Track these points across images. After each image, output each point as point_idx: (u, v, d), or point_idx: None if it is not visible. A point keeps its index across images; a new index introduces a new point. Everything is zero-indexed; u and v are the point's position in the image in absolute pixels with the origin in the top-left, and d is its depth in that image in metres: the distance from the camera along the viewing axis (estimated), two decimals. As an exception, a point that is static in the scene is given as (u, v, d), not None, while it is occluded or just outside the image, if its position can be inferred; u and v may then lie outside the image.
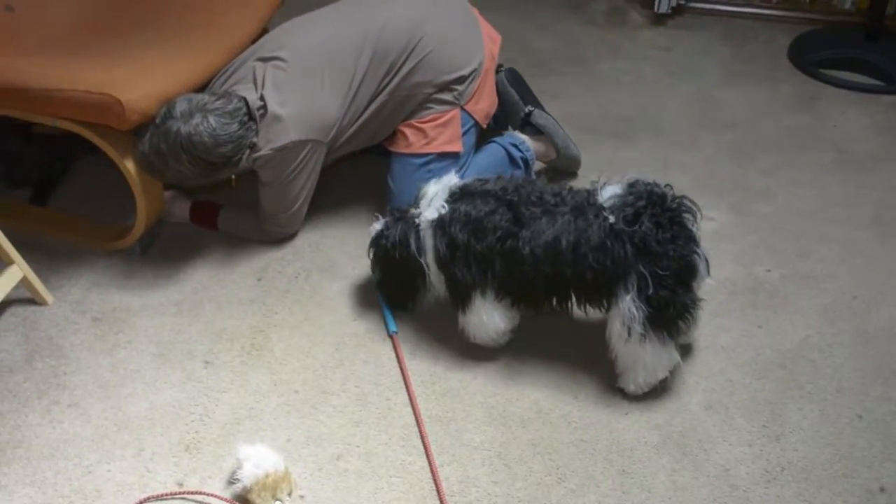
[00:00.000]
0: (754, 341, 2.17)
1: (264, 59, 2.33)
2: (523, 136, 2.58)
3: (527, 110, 2.62)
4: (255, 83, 2.30)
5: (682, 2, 3.63)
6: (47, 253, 2.44)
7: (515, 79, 2.72)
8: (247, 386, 2.07)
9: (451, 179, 2.11)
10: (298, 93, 2.28)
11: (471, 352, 2.13)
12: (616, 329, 1.93)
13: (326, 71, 2.30)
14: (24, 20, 2.46)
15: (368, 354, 2.14)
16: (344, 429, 1.96)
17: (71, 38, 2.49)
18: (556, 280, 1.94)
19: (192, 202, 2.49)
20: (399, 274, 2.14)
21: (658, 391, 2.03)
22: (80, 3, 2.61)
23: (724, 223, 2.55)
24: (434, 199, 2.06)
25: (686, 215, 1.90)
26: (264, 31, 2.64)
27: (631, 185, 1.92)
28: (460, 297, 2.06)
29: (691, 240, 1.89)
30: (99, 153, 2.28)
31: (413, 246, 2.07)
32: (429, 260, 2.06)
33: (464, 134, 2.45)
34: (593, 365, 2.09)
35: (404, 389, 2.05)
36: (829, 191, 2.68)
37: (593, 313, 2.04)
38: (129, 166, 2.23)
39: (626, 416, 1.99)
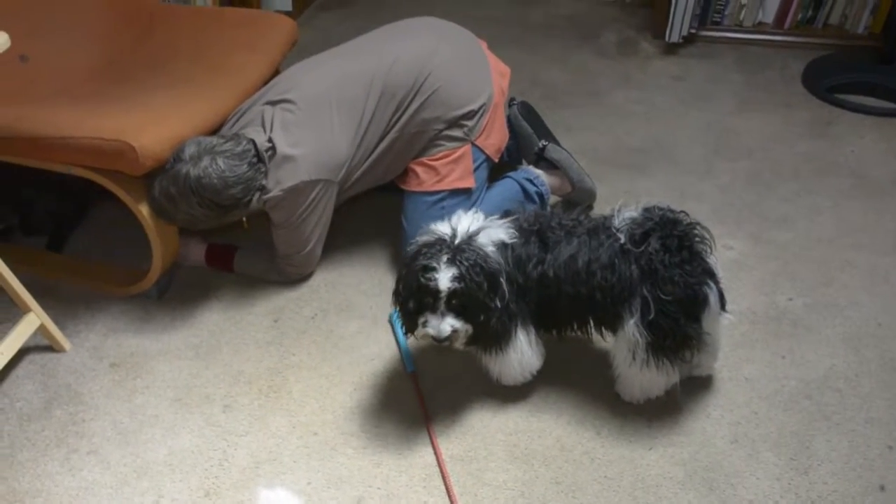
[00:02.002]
0: (778, 372, 2.15)
1: (273, 103, 2.35)
2: (538, 171, 2.58)
3: (541, 145, 2.63)
4: (263, 126, 2.32)
5: (693, 30, 3.64)
6: (63, 299, 2.45)
7: (528, 112, 2.74)
8: (266, 429, 2.06)
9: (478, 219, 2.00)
10: (307, 133, 2.30)
11: (489, 389, 2.12)
12: (622, 352, 1.95)
13: (335, 111, 2.32)
14: (36, 69, 2.49)
15: (387, 394, 2.14)
16: (364, 470, 1.96)
17: (83, 85, 2.52)
18: (575, 300, 1.93)
19: (207, 245, 2.50)
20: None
21: (681, 424, 2.02)
22: (91, 51, 2.65)
23: (743, 252, 2.54)
24: (486, 231, 1.94)
25: (699, 243, 1.88)
26: (276, 73, 2.68)
27: (646, 210, 1.93)
28: (501, 336, 1.96)
29: (705, 271, 1.86)
30: (113, 199, 2.31)
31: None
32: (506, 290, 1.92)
33: (475, 169, 2.45)
34: (615, 399, 2.08)
35: (424, 429, 2.04)
36: (850, 217, 2.67)
37: (610, 338, 2.02)
38: (144, 211, 2.25)
39: (651, 451, 1.97)
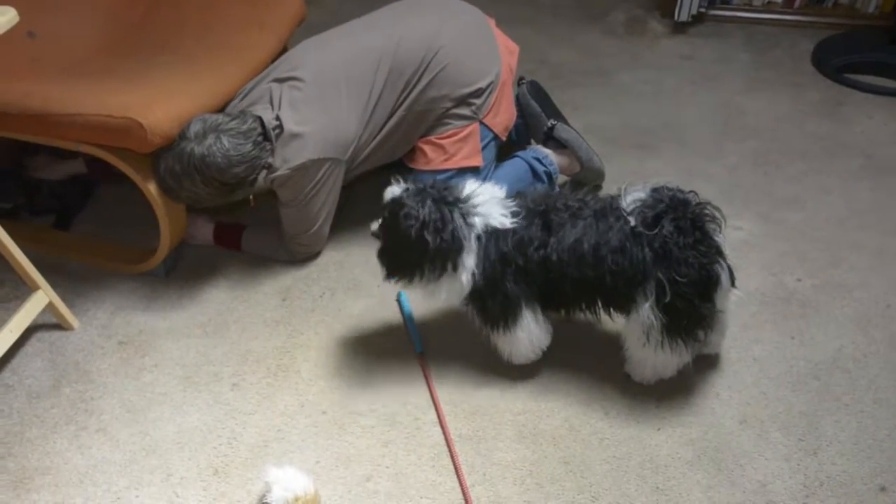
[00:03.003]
0: (787, 353, 2.14)
1: (280, 80, 2.33)
2: (547, 150, 2.57)
3: (549, 124, 2.61)
4: (271, 103, 2.30)
5: (703, 9, 3.61)
6: (71, 277, 2.45)
7: (537, 91, 2.72)
8: (274, 408, 2.06)
9: (496, 192, 2.01)
10: (315, 111, 2.28)
11: (498, 369, 2.11)
12: (635, 334, 1.94)
13: (343, 89, 2.30)
14: (44, 46, 2.48)
15: (395, 374, 2.13)
16: (373, 449, 1.95)
17: (90, 62, 2.51)
18: (581, 283, 1.92)
19: (215, 224, 2.49)
20: (411, 252, 1.94)
21: (690, 404, 2.01)
22: (99, 27, 2.63)
23: (752, 232, 2.53)
24: (487, 203, 1.96)
25: (709, 223, 1.87)
26: (283, 51, 2.66)
27: (655, 190, 1.90)
28: (506, 314, 1.98)
29: (715, 249, 1.85)
30: (119, 176, 2.29)
31: (451, 236, 1.91)
32: (469, 265, 1.94)
33: (483, 148, 2.44)
34: (623, 380, 2.08)
35: (432, 408, 2.04)
36: (859, 197, 2.65)
37: (619, 319, 2.01)
38: (152, 189, 2.24)
39: (659, 431, 1.97)
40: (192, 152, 2.15)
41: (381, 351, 2.20)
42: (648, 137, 2.97)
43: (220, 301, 2.37)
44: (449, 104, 2.36)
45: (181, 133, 2.18)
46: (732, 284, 1.93)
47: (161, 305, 2.36)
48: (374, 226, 2.02)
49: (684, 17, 3.57)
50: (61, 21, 2.53)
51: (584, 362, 2.13)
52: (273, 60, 2.51)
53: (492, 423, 2.00)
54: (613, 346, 2.14)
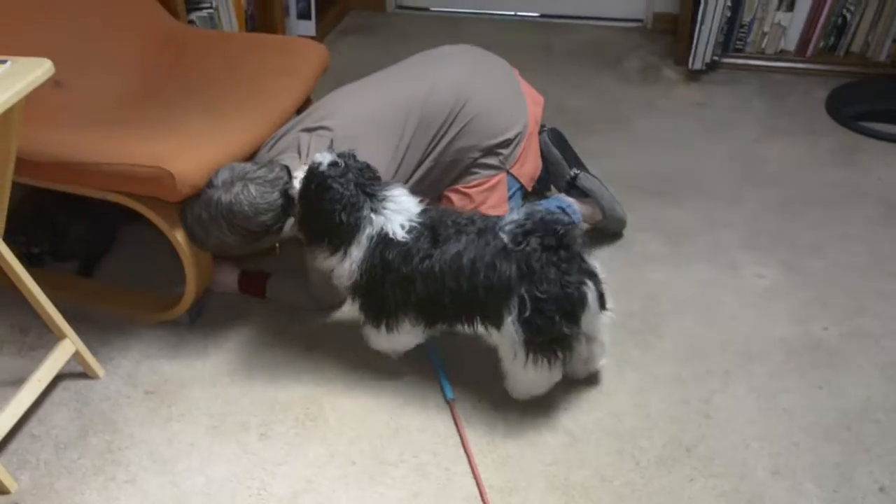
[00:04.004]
0: (816, 402, 2.14)
1: (309, 130, 2.36)
2: (570, 199, 2.59)
3: (573, 173, 2.64)
4: (299, 152, 2.32)
5: (716, 57, 3.65)
6: (96, 325, 2.45)
7: (558, 139, 2.75)
8: (303, 458, 2.05)
9: (412, 205, 2.09)
10: None
11: (528, 418, 2.11)
12: (504, 349, 2.03)
13: (372, 139, 2.32)
14: (72, 94, 2.49)
15: (425, 422, 2.13)
16: (404, 501, 1.94)
17: (118, 111, 2.53)
18: (459, 296, 2.00)
19: (239, 271, 2.50)
20: (323, 223, 2.08)
21: (720, 455, 2.01)
22: (126, 75, 2.66)
23: (775, 280, 2.54)
24: (396, 211, 2.05)
25: (578, 244, 1.96)
26: (307, 101, 2.69)
27: (528, 213, 2.00)
28: (382, 317, 2.11)
29: (584, 271, 1.94)
30: (141, 223, 2.30)
31: (354, 222, 2.05)
32: (354, 256, 2.06)
33: (510, 197, 2.46)
34: (652, 430, 2.07)
35: (463, 458, 2.03)
36: (881, 245, 2.67)
37: (495, 333, 2.05)
38: (180, 237, 2.24)
39: (691, 482, 1.96)
40: (219, 200, 2.16)
41: (410, 399, 2.19)
42: (668, 184, 2.99)
43: (245, 349, 2.37)
44: (477, 154, 2.38)
45: (209, 181, 2.19)
46: (603, 307, 2.01)
47: (187, 354, 2.36)
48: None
49: (698, 64, 3.61)
50: (89, 69, 2.56)
51: (612, 411, 2.13)
52: (299, 109, 2.54)
53: (523, 473, 2.00)
54: (640, 394, 2.15)
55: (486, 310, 2.01)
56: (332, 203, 2.03)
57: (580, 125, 3.32)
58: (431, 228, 2.03)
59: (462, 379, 2.23)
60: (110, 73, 2.63)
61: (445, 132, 2.37)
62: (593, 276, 1.95)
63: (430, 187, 2.44)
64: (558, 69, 3.79)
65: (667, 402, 2.15)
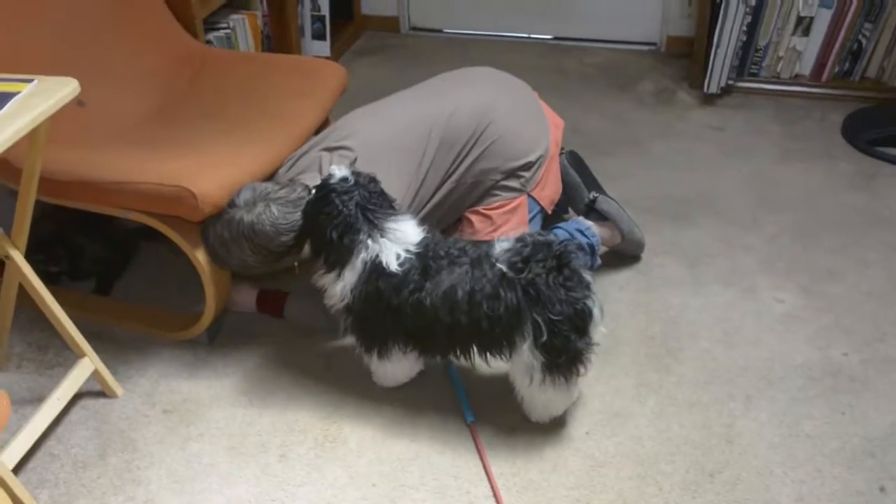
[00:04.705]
0: (839, 429, 2.14)
1: (330, 149, 2.36)
2: (588, 222, 2.59)
3: (591, 197, 2.65)
4: (320, 172, 2.33)
5: (731, 81, 3.67)
6: (113, 343, 2.45)
7: (577, 162, 2.76)
8: (323, 480, 2.05)
9: (412, 235, 2.07)
10: None
11: (549, 441, 2.11)
12: (519, 376, 2.03)
13: (393, 159, 2.33)
14: (93, 113, 2.51)
15: (445, 445, 2.13)
16: (426, 524, 1.94)
17: (138, 130, 2.55)
18: (454, 329, 2.00)
19: (258, 290, 2.51)
20: (317, 234, 2.10)
21: (744, 480, 2.00)
22: (146, 95, 2.68)
23: (794, 305, 2.54)
24: (393, 239, 2.04)
25: (575, 260, 1.97)
26: (326, 122, 2.70)
27: (518, 239, 2.01)
28: (374, 345, 2.14)
29: (584, 285, 1.96)
30: (158, 241, 2.31)
31: (348, 244, 2.04)
32: (348, 280, 2.06)
33: (530, 220, 2.47)
34: (674, 454, 2.07)
35: (485, 482, 2.03)
36: (899, 271, 2.68)
37: (495, 363, 2.08)
38: (200, 256, 2.25)
39: (715, 508, 1.95)
40: (241, 220, 2.17)
41: (430, 421, 2.19)
42: (685, 208, 3.00)
43: (264, 369, 2.37)
44: (499, 176, 2.39)
45: (231, 201, 2.20)
46: (601, 317, 2.02)
47: (205, 373, 2.36)
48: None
49: (713, 88, 3.63)
50: (109, 89, 2.57)
51: (634, 433, 2.13)
52: (317, 129, 2.55)
53: (545, 498, 1.99)
54: (661, 418, 2.15)
55: (492, 340, 2.01)
56: (327, 218, 2.05)
57: (596, 147, 3.33)
58: (423, 259, 2.03)
59: (482, 400, 2.23)
60: (131, 92, 2.66)
61: (468, 153, 2.38)
62: (590, 287, 1.98)
63: (450, 209, 2.45)
64: (572, 92, 3.82)
65: (688, 427, 2.15)
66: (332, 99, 2.71)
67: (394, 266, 2.02)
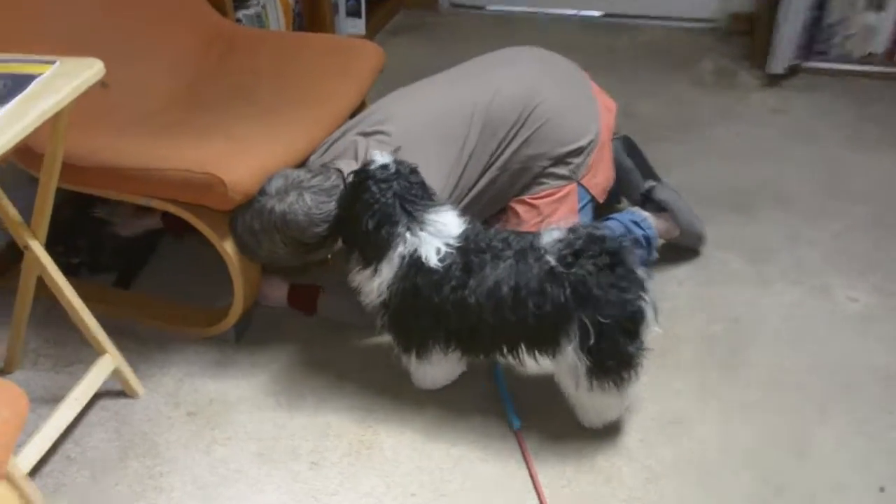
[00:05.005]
0: (923, 440, 2.06)
1: (366, 134, 2.32)
2: (645, 213, 2.52)
3: (647, 185, 2.58)
4: (356, 158, 2.28)
5: (797, 61, 3.57)
6: (134, 339, 2.42)
7: (631, 147, 2.69)
8: (358, 488, 2.00)
9: (455, 227, 2.02)
10: None
11: (602, 449, 2.05)
12: (565, 378, 1.99)
13: (432, 145, 2.28)
14: (116, 96, 2.45)
15: (488, 452, 2.07)
16: (468, 538, 1.89)
17: (164, 113, 2.51)
18: (501, 328, 1.95)
19: (289, 285, 2.47)
20: (352, 224, 2.06)
21: (819, 498, 1.92)
22: (171, 76, 2.65)
23: (868, 304, 2.45)
24: (435, 232, 1.99)
25: (629, 256, 1.90)
26: (362, 105, 2.65)
27: (571, 230, 1.95)
28: (413, 345, 2.09)
29: (637, 283, 1.89)
30: (185, 232, 2.28)
31: (386, 236, 1.99)
32: (385, 275, 2.02)
33: (580, 210, 2.41)
34: (738, 466, 2.00)
35: (532, 493, 1.97)
36: None
37: (544, 362, 2.02)
38: (228, 248, 2.22)
39: (785, 525, 1.88)
40: (272, 210, 2.13)
41: (472, 426, 2.14)
42: (746, 198, 2.91)
43: (295, 369, 2.33)
44: (546, 163, 2.34)
45: (261, 189, 2.16)
46: (656, 320, 1.95)
47: (232, 373, 2.33)
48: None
49: (778, 69, 3.53)
50: (133, 70, 2.53)
51: (695, 442, 2.06)
52: (354, 112, 2.50)
53: (597, 511, 1.93)
54: (724, 425, 2.08)
55: (538, 338, 1.96)
56: (364, 206, 2.01)
57: (650, 133, 3.25)
58: (465, 254, 1.97)
59: (529, 405, 2.17)
60: (156, 73, 2.62)
61: (512, 139, 2.32)
62: (645, 287, 1.91)
63: (494, 198, 2.39)
64: (624, 73, 3.74)
65: (754, 436, 2.08)
66: (368, 80, 2.66)
67: (434, 262, 1.96)
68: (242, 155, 2.21)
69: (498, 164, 2.33)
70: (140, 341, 2.43)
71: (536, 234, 1.98)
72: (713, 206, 2.85)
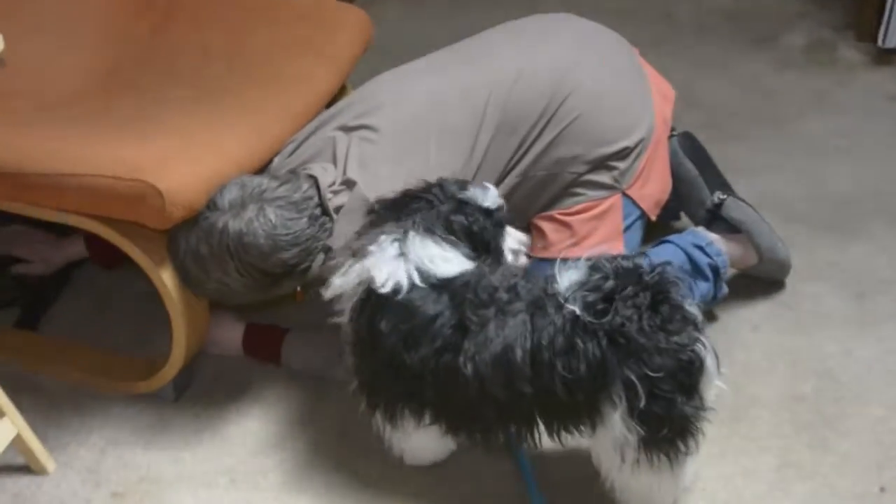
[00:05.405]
0: None
1: (348, 129, 2.37)
2: (712, 235, 2.58)
3: (717, 199, 2.63)
4: (334, 159, 2.34)
5: (918, 32, 3.65)
6: (43, 398, 2.48)
7: (693, 148, 2.74)
8: None
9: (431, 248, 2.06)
10: (393, 172, 2.28)
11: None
12: (607, 454, 1.99)
13: (432, 145, 2.34)
14: (18, 77, 2.54)
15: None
16: None
17: (83, 101, 2.57)
18: (513, 404, 1.96)
19: (245, 326, 2.53)
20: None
21: None
22: (91, 52, 2.72)
23: None
24: (419, 254, 2.03)
25: (674, 290, 1.92)
26: (342, 90, 2.72)
27: (592, 267, 1.95)
28: (378, 404, 2.12)
29: (689, 322, 1.91)
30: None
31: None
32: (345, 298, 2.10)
33: (626, 229, 2.47)
34: None
35: None
36: None
37: (570, 440, 2.04)
38: (166, 279, 2.26)
39: None
40: (224, 229, 2.18)
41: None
42: (849, 213, 2.98)
43: (253, 437, 2.39)
44: (582, 168, 2.40)
45: (211, 201, 2.21)
46: (718, 370, 1.96)
47: (170, 441, 2.39)
48: None
49: (893, 42, 3.59)
50: (40, 45, 2.61)
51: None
52: (334, 99, 2.56)
53: None
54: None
55: (570, 411, 1.97)
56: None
57: (719, 127, 3.32)
58: (458, 307, 1.98)
59: (556, 482, 2.23)
60: (69, 48, 2.69)
61: (538, 137, 2.39)
62: (699, 327, 1.94)
63: (513, 212, 2.45)
64: (686, 48, 3.81)
65: (853, 530, 2.14)
66: (351, 57, 2.73)
67: (390, 285, 2.00)
68: (184, 156, 2.26)
69: (518, 169, 2.40)
70: (49, 400, 2.48)
71: (550, 278, 1.98)
72: (803, 223, 2.91)
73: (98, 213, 2.26)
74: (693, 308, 1.94)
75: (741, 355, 2.46)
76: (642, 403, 1.87)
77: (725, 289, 2.58)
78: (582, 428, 1.99)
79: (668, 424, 1.91)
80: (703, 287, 2.50)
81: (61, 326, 2.74)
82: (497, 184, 2.39)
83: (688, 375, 1.90)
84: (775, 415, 2.37)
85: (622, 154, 2.42)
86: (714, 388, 1.98)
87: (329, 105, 2.60)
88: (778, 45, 3.82)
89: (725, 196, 2.65)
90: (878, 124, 3.36)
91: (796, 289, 2.72)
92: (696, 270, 2.51)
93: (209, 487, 2.28)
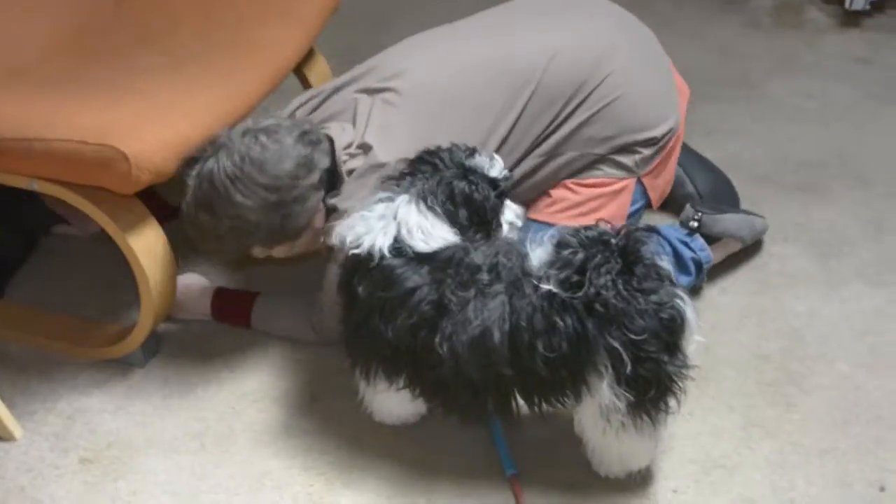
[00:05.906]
0: None
1: (371, 91, 2.35)
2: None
3: (692, 224, 2.59)
4: (354, 120, 2.33)
5: (885, -6, 3.67)
6: (10, 364, 2.49)
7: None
8: (311, 556, 2.09)
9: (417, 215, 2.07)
10: (408, 136, 2.27)
11: (607, 497, 2.13)
12: (591, 421, 2.02)
13: (457, 115, 2.33)
14: (-20, 41, 2.54)
15: (478, 501, 2.15)
16: None
17: (47, 65, 2.57)
18: (490, 382, 1.99)
19: (214, 290, 2.54)
20: None
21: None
22: (58, 14, 2.71)
23: None
24: (401, 222, 2.04)
25: (644, 247, 1.92)
26: (310, 54, 2.72)
27: (558, 244, 1.95)
28: (357, 358, 2.14)
29: (665, 278, 1.93)
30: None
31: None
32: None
33: (630, 214, 2.49)
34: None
35: (531, 561, 2.06)
36: None
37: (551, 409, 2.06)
38: (134, 244, 2.26)
39: None
40: (249, 150, 2.16)
41: (456, 471, 2.21)
42: (815, 174, 3.01)
43: (222, 400, 2.40)
44: (607, 150, 2.42)
45: (205, 149, 2.21)
46: (696, 324, 1.98)
47: (139, 407, 2.40)
48: None
49: (859, 4, 3.61)
50: (3, 9, 2.61)
51: (743, 491, 2.14)
52: (301, 63, 2.56)
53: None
54: (781, 471, 2.16)
55: (555, 387, 1.99)
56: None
57: (691, 88, 3.31)
58: (438, 284, 1.99)
59: (528, 445, 2.24)
60: (33, 10, 2.68)
61: (570, 115, 2.38)
62: (674, 281, 1.97)
63: (531, 190, 2.47)
64: (660, 10, 3.83)
65: (819, 484, 2.15)
66: (320, 21, 2.74)
67: (376, 246, 2.02)
68: (151, 120, 2.26)
69: (546, 146, 2.40)
70: (16, 367, 2.49)
71: (523, 259, 2.00)
72: (770, 184, 2.94)
73: (66, 178, 2.26)
74: (665, 263, 1.95)
75: (709, 316, 2.48)
76: (628, 369, 1.88)
77: (705, 278, 2.61)
78: (565, 400, 2.00)
79: (655, 385, 1.92)
80: (685, 281, 2.51)
81: (28, 292, 2.74)
82: (521, 159, 2.40)
83: (671, 333, 1.91)
84: (742, 374, 2.40)
85: (649, 143, 2.45)
86: (694, 342, 1.99)
87: (297, 69, 2.62)
88: (748, 7, 3.85)
89: (699, 215, 2.60)
90: (845, 87, 3.39)
91: (763, 250, 2.74)
92: (679, 263, 2.53)
93: (179, 452, 2.29)
